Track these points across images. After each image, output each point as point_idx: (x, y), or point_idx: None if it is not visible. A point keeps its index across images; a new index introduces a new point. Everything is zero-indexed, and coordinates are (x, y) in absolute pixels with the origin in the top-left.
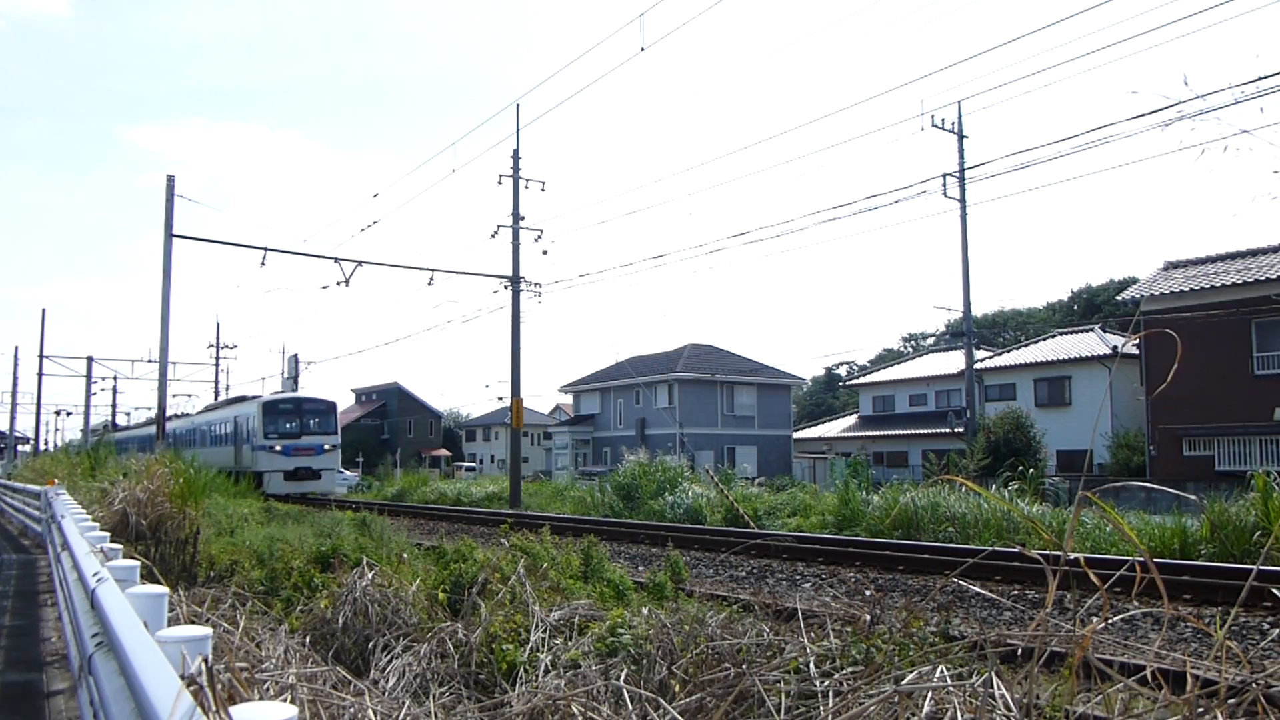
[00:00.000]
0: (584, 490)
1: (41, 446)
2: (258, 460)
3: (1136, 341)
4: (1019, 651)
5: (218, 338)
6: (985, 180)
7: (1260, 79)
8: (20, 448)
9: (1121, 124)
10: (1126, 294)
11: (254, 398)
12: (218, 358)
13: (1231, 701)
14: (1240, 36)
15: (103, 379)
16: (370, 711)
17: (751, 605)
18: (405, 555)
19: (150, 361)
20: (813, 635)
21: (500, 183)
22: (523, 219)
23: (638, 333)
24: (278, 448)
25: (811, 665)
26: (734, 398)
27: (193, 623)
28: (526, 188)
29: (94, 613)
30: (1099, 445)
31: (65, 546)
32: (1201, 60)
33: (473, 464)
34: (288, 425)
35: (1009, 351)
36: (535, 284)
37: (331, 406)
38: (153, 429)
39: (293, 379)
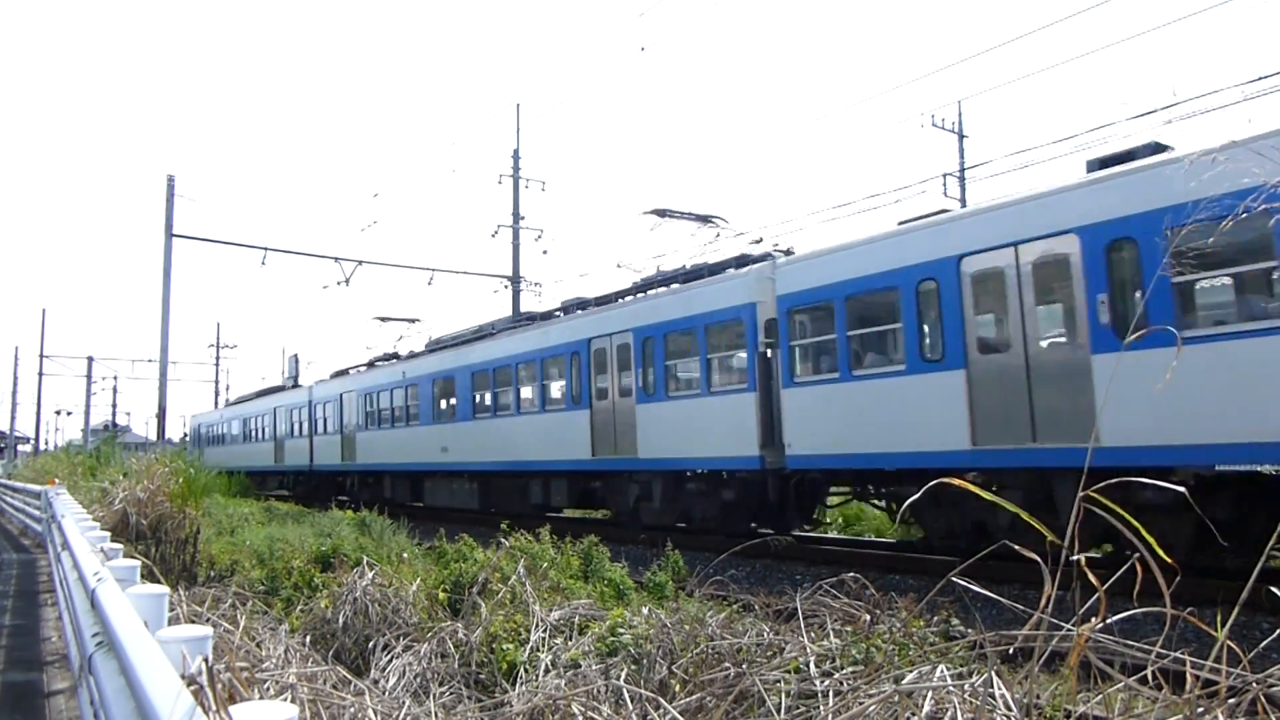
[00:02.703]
0: None
1: (42, 446)
2: None
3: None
4: (1013, 651)
5: (218, 338)
6: (985, 180)
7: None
8: (20, 447)
9: (1121, 124)
10: None
11: None
12: (218, 358)
13: (1231, 701)
14: (1245, 32)
15: (103, 379)
16: (370, 711)
17: (751, 605)
18: (405, 555)
19: (150, 361)
20: (813, 635)
21: (500, 183)
22: (523, 219)
23: None
24: None
25: (811, 665)
26: None
27: (193, 622)
28: (526, 188)
29: (94, 612)
30: None
31: (65, 546)
32: (1203, 58)
33: None
34: None
35: None
36: (535, 284)
37: None
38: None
39: (293, 378)
